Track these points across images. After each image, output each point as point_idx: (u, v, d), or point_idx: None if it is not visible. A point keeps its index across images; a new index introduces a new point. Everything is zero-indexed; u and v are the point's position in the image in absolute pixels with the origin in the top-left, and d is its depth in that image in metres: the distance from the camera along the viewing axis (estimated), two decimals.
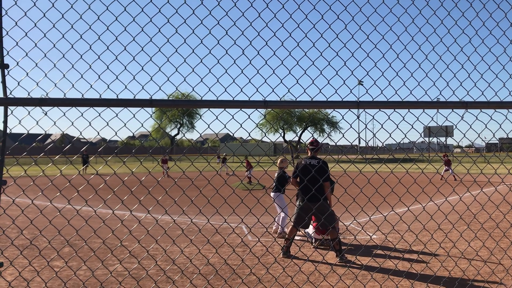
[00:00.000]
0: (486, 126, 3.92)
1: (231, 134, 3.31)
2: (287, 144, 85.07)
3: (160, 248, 8.23)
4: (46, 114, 2.81)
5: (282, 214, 9.43)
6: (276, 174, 9.96)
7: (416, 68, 3.83)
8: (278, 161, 10.17)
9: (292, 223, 7.97)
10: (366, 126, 4.84)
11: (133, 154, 2.79)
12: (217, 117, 3.27)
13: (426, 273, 6.50)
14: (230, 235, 9.39)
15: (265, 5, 3.17)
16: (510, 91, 3.87)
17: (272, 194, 9.72)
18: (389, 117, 3.62)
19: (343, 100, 3.17)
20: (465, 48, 3.80)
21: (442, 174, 25.82)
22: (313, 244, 9.05)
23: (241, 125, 3.31)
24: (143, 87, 2.95)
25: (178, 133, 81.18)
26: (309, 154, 8.08)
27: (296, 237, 9.33)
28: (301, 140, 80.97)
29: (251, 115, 3.29)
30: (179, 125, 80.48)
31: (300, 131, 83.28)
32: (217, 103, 3.00)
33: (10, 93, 2.51)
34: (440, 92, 4.13)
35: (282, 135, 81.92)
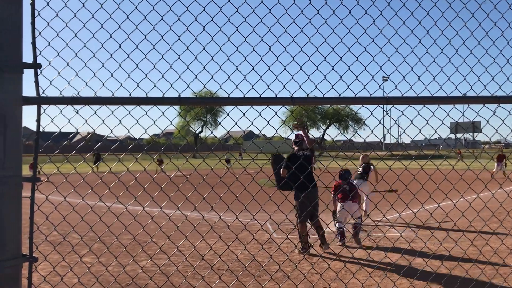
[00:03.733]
0: None
1: (259, 131, 3.31)
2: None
3: (187, 244, 8.30)
4: (77, 112, 2.86)
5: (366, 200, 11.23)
6: (361, 166, 11.84)
7: (446, 63, 3.76)
8: (361, 157, 12.15)
9: (300, 220, 8.21)
10: (395, 121, 4.75)
11: (162, 151, 2.81)
12: (244, 114, 3.28)
13: (457, 272, 6.39)
14: (260, 232, 9.41)
15: (292, 1, 3.16)
16: None
17: (356, 181, 10.97)
18: (418, 112, 3.56)
19: (372, 96, 3.13)
20: (498, 41, 3.71)
21: (494, 171, 21.16)
22: (340, 241, 9.00)
23: (268, 122, 3.31)
24: (171, 85, 2.98)
25: (202, 131, 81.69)
26: (296, 149, 8.39)
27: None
28: (329, 135, 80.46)
29: (278, 112, 3.28)
30: (203, 123, 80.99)
31: (324, 128, 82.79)
32: (244, 100, 3.00)
33: (43, 92, 2.56)
34: (471, 87, 4.04)
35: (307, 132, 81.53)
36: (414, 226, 9.33)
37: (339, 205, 9.27)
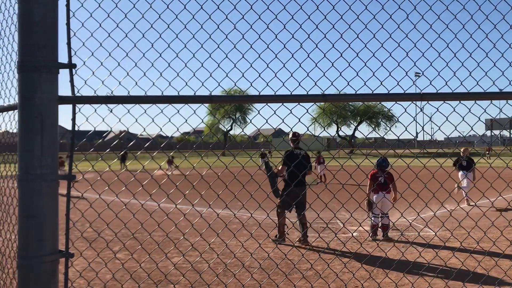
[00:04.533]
0: None
1: (290, 128, 3.29)
2: (341, 138, 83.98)
3: (218, 242, 8.35)
4: (111, 111, 2.90)
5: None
6: (464, 159, 13.81)
7: (483, 58, 3.65)
8: (462, 150, 14.32)
9: (278, 212, 8.70)
10: (430, 118, 4.66)
11: (194, 149, 2.84)
12: (275, 112, 3.26)
13: (494, 273, 6.21)
14: (291, 231, 9.38)
15: None
16: None
17: (461, 172, 13.65)
18: (454, 109, 3.47)
19: (406, 92, 3.07)
20: None
21: None
22: (372, 237, 8.91)
23: (299, 120, 3.28)
24: (203, 84, 2.99)
25: (231, 129, 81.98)
26: (293, 146, 8.83)
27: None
28: (355, 134, 79.67)
29: (308, 110, 3.25)
30: (232, 121, 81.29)
31: (355, 125, 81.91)
32: (275, 98, 2.99)
33: (78, 92, 2.61)
34: (510, 82, 3.91)
35: (336, 130, 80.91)
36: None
37: (374, 196, 9.18)
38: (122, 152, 35.44)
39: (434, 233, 9.27)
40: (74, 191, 2.42)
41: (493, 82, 3.58)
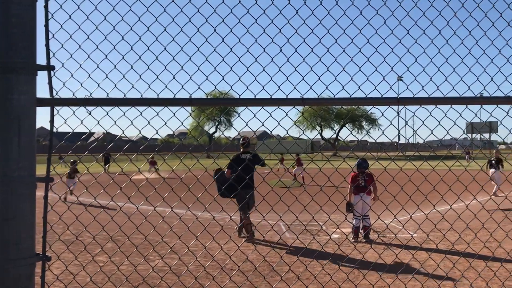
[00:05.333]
0: None
1: (269, 132, 3.32)
2: (324, 141, 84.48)
3: (199, 244, 8.34)
4: (90, 113, 2.89)
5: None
6: (494, 160, 16.70)
7: (459, 63, 3.73)
8: (495, 151, 18.51)
9: (241, 212, 9.18)
10: (406, 122, 4.74)
11: (173, 152, 2.84)
12: (255, 115, 3.28)
13: (470, 273, 6.34)
14: (270, 233, 9.41)
15: (303, 2, 3.16)
16: None
17: (491, 170, 16.26)
18: (430, 113, 3.54)
19: (383, 96, 3.12)
20: (511, 41, 3.67)
21: None
22: (353, 239, 8.99)
23: (279, 123, 3.32)
24: (182, 86, 3.00)
25: (216, 131, 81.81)
26: (241, 150, 9.28)
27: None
28: (339, 138, 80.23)
29: (288, 113, 3.28)
30: (217, 123, 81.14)
31: (338, 128, 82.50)
32: (255, 101, 3.01)
33: (56, 94, 2.59)
34: (484, 87, 4.01)
35: (320, 133, 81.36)
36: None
37: (354, 198, 9.26)
38: (103, 154, 34.71)
39: (411, 235, 9.41)
40: (52, 193, 2.40)
41: (469, 87, 3.67)
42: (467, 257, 7.31)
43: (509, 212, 5.41)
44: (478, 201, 4.83)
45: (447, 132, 3.67)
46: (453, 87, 3.48)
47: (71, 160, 21.62)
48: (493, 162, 17.19)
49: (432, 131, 3.63)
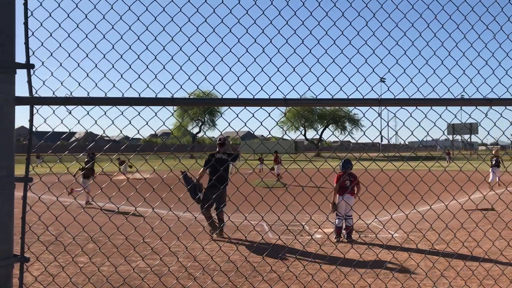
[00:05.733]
0: (511, 123, 3.85)
1: (252, 132, 3.32)
2: (308, 142, 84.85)
3: (181, 245, 8.31)
4: (70, 113, 2.86)
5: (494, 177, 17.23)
6: (494, 158, 19.86)
7: (439, 65, 3.79)
8: (494, 151, 20.72)
9: (202, 210, 9.29)
10: (388, 123, 4.78)
11: (155, 152, 2.82)
12: (237, 115, 3.28)
13: (449, 273, 6.43)
14: (252, 233, 9.42)
15: (285, 3, 3.17)
16: None
17: (491, 168, 19.20)
18: (411, 114, 3.58)
19: (364, 97, 3.15)
20: (490, 44, 3.74)
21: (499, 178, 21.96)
22: (335, 239, 9.04)
23: (261, 123, 3.32)
24: (164, 86, 2.98)
25: (200, 131, 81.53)
26: (217, 149, 9.67)
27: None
28: (322, 138, 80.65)
29: (271, 113, 3.29)
30: (200, 123, 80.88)
31: (322, 129, 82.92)
32: (237, 102, 3.01)
33: (36, 93, 2.56)
34: (464, 89, 4.07)
35: (303, 133, 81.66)
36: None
37: (338, 197, 9.30)
38: (88, 154, 34.08)
39: (391, 235, 9.51)
40: (31, 193, 2.37)
41: (448, 89, 3.72)
42: (446, 257, 7.41)
43: (487, 212, 5.50)
44: (457, 201, 4.89)
45: (427, 133, 3.72)
46: (433, 89, 3.53)
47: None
48: (494, 162, 20.40)
49: (412, 132, 3.67)
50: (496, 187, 18.91)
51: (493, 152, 22.12)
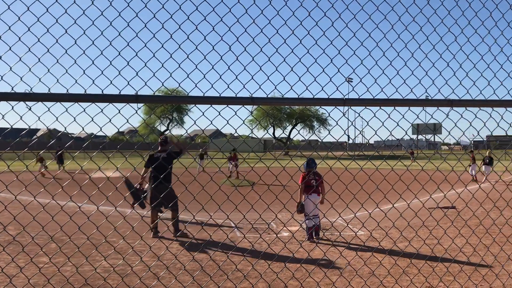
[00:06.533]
0: (471, 124, 3.96)
1: (220, 131, 3.30)
2: (276, 140, 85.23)
3: (146, 244, 8.20)
4: (30, 109, 2.77)
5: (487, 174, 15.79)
6: (487, 157, 22.53)
7: (402, 66, 3.86)
8: (488, 152, 22.44)
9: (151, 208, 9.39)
10: (352, 123, 4.83)
11: (118, 150, 2.77)
12: (203, 113, 3.26)
13: (411, 269, 6.57)
14: (218, 232, 9.39)
15: (252, 1, 3.17)
16: (494, 90, 3.92)
17: (484, 167, 20.75)
18: (374, 114, 3.65)
19: (330, 97, 3.18)
20: (451, 46, 3.84)
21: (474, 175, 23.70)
22: (308, 239, 9.08)
23: (227, 122, 3.30)
24: (128, 83, 2.93)
25: (167, 129, 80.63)
26: (159, 148, 9.87)
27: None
28: (290, 137, 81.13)
29: (238, 112, 3.28)
30: (168, 121, 79.99)
31: (290, 128, 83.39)
32: (203, 100, 3.00)
33: None
34: (426, 90, 4.17)
35: (272, 132, 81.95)
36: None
37: (304, 197, 9.28)
38: (57, 151, 33.29)
39: (355, 233, 9.65)
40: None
41: (411, 90, 3.80)
42: (408, 254, 7.57)
43: (448, 211, 5.64)
44: (419, 199, 5.00)
45: (390, 132, 3.78)
46: (396, 89, 3.59)
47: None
48: (487, 160, 23.23)
49: (376, 132, 3.73)
50: (472, 183, 20.55)
51: (487, 153, 24.64)
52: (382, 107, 3.43)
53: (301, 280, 6.14)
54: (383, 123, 3.64)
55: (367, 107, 3.39)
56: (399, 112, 3.78)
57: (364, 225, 4.64)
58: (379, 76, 3.71)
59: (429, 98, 3.52)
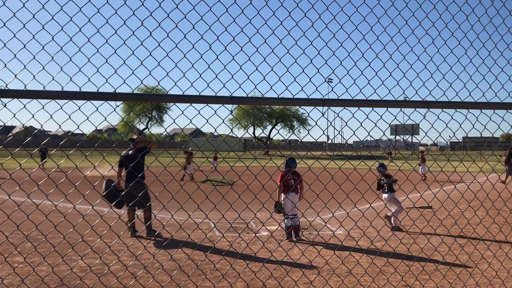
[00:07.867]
0: (447, 125, 4.03)
1: (198, 129, 3.29)
2: (257, 140, 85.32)
3: (124, 243, 8.13)
4: (5, 106, 2.72)
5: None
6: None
7: (381, 68, 3.90)
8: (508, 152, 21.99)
9: (127, 208, 9.42)
10: (331, 123, 4.89)
11: (95, 148, 2.74)
12: (182, 112, 3.24)
13: (388, 268, 6.65)
14: (197, 232, 9.36)
15: (234, 1, 3.17)
16: (470, 92, 4.00)
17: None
18: (353, 115, 3.68)
19: (309, 97, 3.20)
20: (428, 49, 3.90)
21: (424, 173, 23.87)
22: (287, 239, 9.09)
23: (207, 121, 3.29)
24: (107, 80, 2.90)
25: (146, 127, 79.92)
26: (131, 146, 9.90)
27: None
28: (270, 136, 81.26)
29: (218, 111, 3.27)
30: (147, 119, 79.29)
31: (270, 128, 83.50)
32: (183, 98, 2.98)
33: None
34: (404, 92, 4.23)
35: (252, 131, 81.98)
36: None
37: (282, 196, 9.26)
38: (39, 148, 32.78)
39: (332, 232, 9.72)
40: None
41: (389, 91, 3.85)
42: (385, 253, 7.67)
43: (424, 210, 5.72)
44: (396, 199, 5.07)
45: (368, 133, 3.82)
46: (374, 90, 3.63)
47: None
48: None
49: (354, 132, 3.77)
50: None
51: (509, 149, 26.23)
52: (360, 108, 3.47)
53: (280, 279, 6.17)
54: (361, 124, 3.67)
55: (346, 107, 3.42)
56: (377, 113, 3.82)
57: (342, 225, 4.68)
58: (358, 77, 3.75)
59: (407, 99, 3.57)
